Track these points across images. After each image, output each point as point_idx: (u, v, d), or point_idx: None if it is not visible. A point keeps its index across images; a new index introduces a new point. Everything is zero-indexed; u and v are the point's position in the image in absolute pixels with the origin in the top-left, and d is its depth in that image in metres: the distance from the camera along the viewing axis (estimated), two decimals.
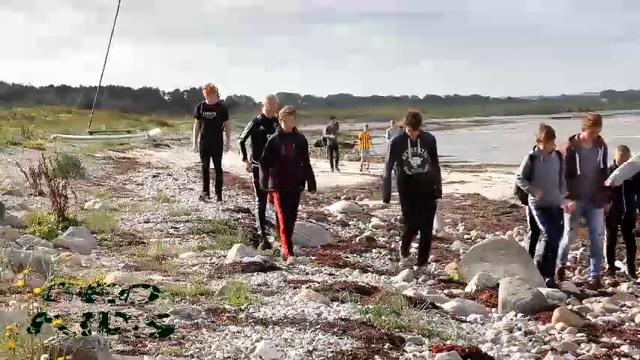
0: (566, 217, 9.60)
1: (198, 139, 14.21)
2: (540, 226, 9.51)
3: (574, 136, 9.78)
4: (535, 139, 9.47)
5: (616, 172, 9.76)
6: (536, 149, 9.42)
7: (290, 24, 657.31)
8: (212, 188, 14.41)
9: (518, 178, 9.55)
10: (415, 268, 9.65)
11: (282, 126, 9.89)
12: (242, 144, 11.26)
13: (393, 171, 9.79)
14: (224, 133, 14.20)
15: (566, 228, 9.63)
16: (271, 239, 10.83)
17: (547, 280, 9.15)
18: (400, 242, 10.46)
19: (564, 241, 9.64)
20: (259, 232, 10.83)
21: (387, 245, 12.19)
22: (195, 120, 14.35)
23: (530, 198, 9.49)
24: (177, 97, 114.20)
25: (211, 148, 14.09)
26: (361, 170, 29.12)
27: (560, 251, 9.61)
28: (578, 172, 9.54)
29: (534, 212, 9.54)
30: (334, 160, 29.64)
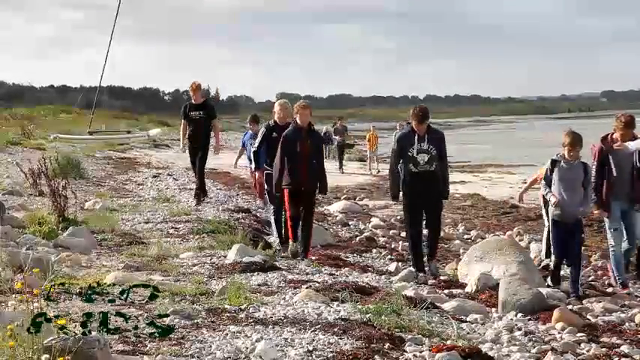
0: (606, 221, 9.34)
1: (186, 141, 13.84)
2: (551, 246, 9.28)
3: (606, 136, 9.33)
4: (561, 144, 8.98)
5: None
6: (559, 155, 8.97)
7: (290, 24, 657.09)
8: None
9: (541, 184, 9.26)
10: (425, 266, 9.38)
11: (298, 120, 9.43)
12: (256, 153, 10.62)
13: (399, 167, 9.28)
14: (212, 132, 13.86)
15: (609, 231, 9.32)
16: (271, 239, 10.83)
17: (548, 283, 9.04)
18: (410, 253, 9.76)
19: (613, 248, 9.24)
20: (275, 240, 10.46)
21: (387, 245, 12.20)
22: (182, 121, 13.98)
23: (550, 208, 9.14)
24: (177, 97, 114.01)
25: (198, 148, 13.73)
26: (370, 171, 28.87)
27: (613, 263, 9.28)
28: (614, 175, 9.16)
29: (550, 226, 9.19)
30: (340, 161, 29.41)
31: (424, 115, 9.25)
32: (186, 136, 13.85)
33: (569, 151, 8.84)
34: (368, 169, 29.20)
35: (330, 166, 29.03)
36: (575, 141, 8.81)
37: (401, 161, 9.27)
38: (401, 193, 9.40)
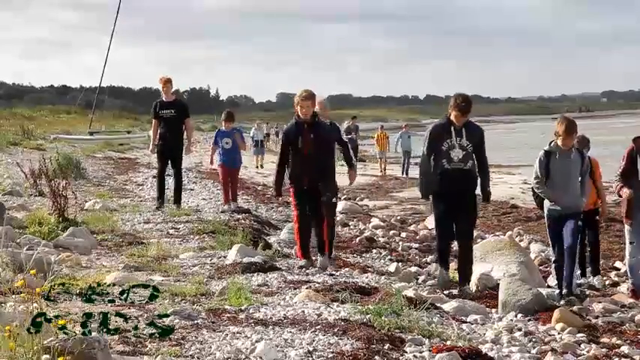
0: (627, 230, 8.74)
1: (157, 141, 12.83)
2: (550, 243, 8.70)
3: (639, 137, 8.59)
4: (554, 133, 8.32)
5: None
6: (552, 144, 8.27)
7: (290, 24, 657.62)
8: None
9: (534, 179, 8.43)
10: (457, 290, 8.28)
11: (299, 113, 8.51)
12: None
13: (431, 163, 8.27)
14: (185, 132, 12.91)
15: (628, 243, 8.74)
16: (271, 240, 10.83)
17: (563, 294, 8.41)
18: (436, 254, 8.81)
19: (631, 258, 8.69)
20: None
21: (387, 245, 12.20)
22: (154, 120, 12.93)
23: (545, 202, 8.43)
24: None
25: (170, 149, 12.77)
26: (380, 172, 28.73)
27: (629, 271, 8.84)
28: None
29: (546, 221, 8.54)
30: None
31: (468, 105, 8.12)
32: (158, 136, 12.86)
33: (564, 140, 8.18)
34: (379, 170, 29.03)
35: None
36: (570, 128, 8.15)
37: (433, 155, 8.25)
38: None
